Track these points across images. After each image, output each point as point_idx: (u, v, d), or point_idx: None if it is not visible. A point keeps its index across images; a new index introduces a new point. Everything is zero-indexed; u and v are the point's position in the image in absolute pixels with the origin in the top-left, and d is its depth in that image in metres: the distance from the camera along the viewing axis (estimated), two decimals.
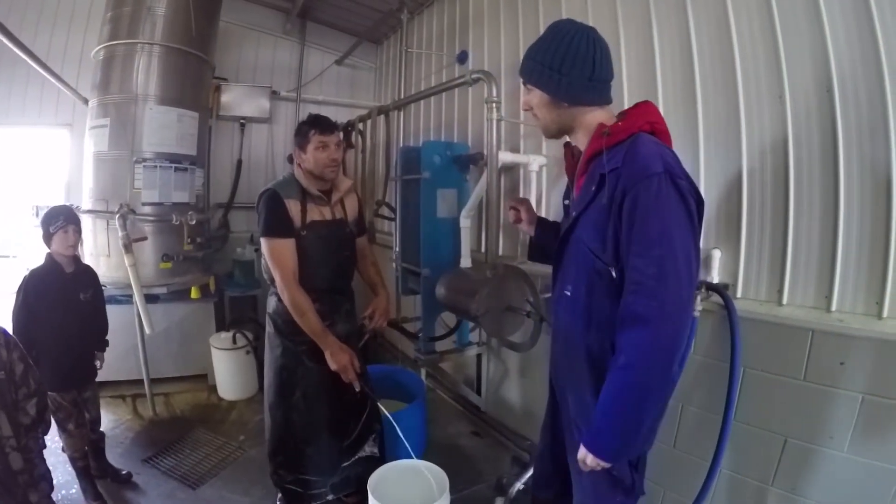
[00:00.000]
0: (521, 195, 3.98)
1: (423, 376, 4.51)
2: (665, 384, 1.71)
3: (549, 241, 2.44)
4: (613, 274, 1.79)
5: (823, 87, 2.33)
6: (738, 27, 2.64)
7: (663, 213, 1.66)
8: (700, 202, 1.77)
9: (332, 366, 2.90)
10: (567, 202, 2.17)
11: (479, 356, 4.55)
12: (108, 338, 3.67)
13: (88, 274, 3.59)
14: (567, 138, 2.10)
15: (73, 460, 3.38)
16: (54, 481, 2.73)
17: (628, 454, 1.82)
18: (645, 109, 1.90)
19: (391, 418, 2.98)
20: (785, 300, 2.49)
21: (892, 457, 2.13)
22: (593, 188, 1.84)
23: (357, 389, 2.99)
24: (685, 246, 1.66)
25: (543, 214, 3.71)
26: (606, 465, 1.79)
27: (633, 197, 1.68)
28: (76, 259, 3.45)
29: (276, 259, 2.93)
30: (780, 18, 2.47)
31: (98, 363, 3.60)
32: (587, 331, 1.93)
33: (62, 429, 3.30)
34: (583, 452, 1.80)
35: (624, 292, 1.72)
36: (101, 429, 3.68)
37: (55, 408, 3.19)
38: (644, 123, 1.84)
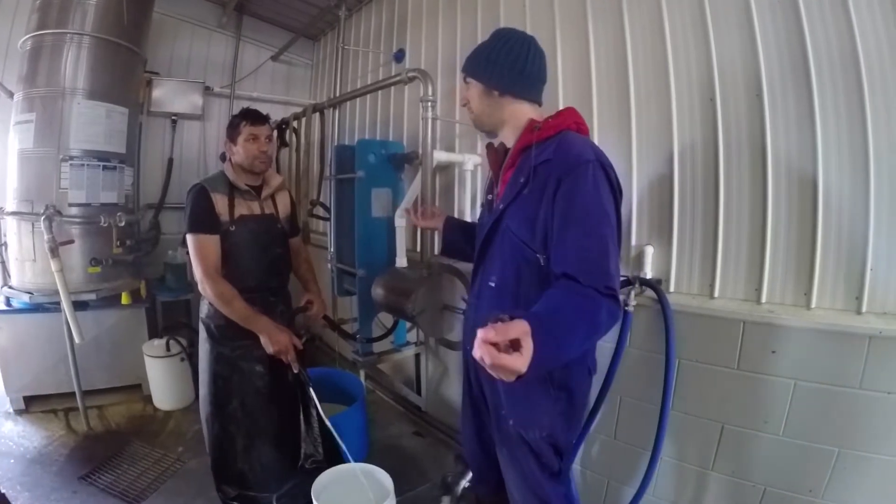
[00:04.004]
0: (456, 194, 4.02)
1: (362, 378, 4.46)
2: (588, 344, 1.85)
3: (455, 237, 2.65)
4: (542, 262, 1.88)
5: (753, 91, 2.46)
6: (672, 32, 2.75)
7: (601, 197, 1.78)
8: (621, 192, 1.92)
9: (270, 349, 2.84)
10: (490, 197, 2.23)
11: (417, 356, 4.55)
12: (35, 349, 3.38)
13: None
14: (489, 139, 2.25)
15: None
16: None
17: (544, 359, 1.45)
18: (571, 112, 2.04)
19: (323, 415, 2.96)
20: (717, 293, 2.61)
21: (826, 438, 2.26)
22: (522, 180, 1.92)
23: (295, 371, 2.92)
24: (613, 228, 1.79)
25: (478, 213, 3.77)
26: (511, 361, 1.35)
27: (572, 182, 1.78)
28: None
29: (198, 253, 2.87)
30: (714, 25, 2.58)
31: None
32: None
33: None
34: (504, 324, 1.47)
35: (570, 270, 1.71)
36: (35, 445, 3.42)
37: None
38: (572, 123, 1.98)
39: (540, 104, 2.15)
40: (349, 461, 2.72)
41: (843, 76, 2.22)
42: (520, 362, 1.35)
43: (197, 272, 2.88)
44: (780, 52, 2.37)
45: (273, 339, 2.82)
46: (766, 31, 2.41)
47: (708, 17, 2.59)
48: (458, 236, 2.63)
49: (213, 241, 2.90)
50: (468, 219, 3.67)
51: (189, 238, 2.91)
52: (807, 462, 2.31)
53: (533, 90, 2.09)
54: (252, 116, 3.05)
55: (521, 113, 2.07)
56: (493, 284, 2.07)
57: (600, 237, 1.72)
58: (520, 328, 1.37)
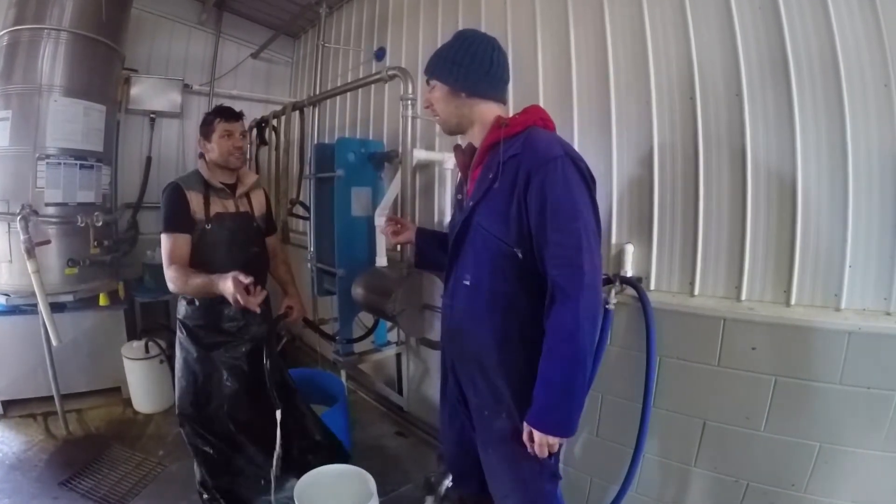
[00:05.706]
0: (436, 193, 4.00)
1: (343, 378, 4.45)
2: (592, 348, 1.86)
3: (428, 246, 2.64)
4: (519, 255, 1.90)
5: (733, 90, 2.46)
6: (652, 30, 2.74)
7: (573, 192, 1.82)
8: (594, 181, 1.95)
9: (229, 294, 2.53)
10: (459, 196, 2.26)
11: (398, 355, 4.53)
12: (12, 352, 3.33)
13: None
14: (458, 140, 2.27)
15: None
16: None
17: (574, 425, 1.86)
18: (536, 109, 2.07)
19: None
20: (697, 291, 2.61)
21: (807, 432, 2.28)
22: (491, 175, 1.94)
23: (256, 309, 2.60)
24: (590, 220, 1.84)
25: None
26: (554, 440, 1.85)
27: (542, 179, 1.82)
28: None
29: (169, 252, 2.84)
30: (694, 23, 2.58)
31: None
32: (491, 315, 2.01)
33: None
34: (528, 431, 1.86)
35: (548, 267, 1.82)
36: (14, 451, 3.39)
37: None
38: (538, 119, 2.00)
39: (505, 103, 2.17)
40: None
41: (822, 75, 2.23)
42: (539, 450, 1.87)
43: (165, 265, 2.85)
44: (759, 52, 2.38)
45: (225, 290, 2.54)
46: (745, 30, 2.42)
47: (688, 15, 2.59)
48: (432, 246, 2.61)
49: (184, 241, 2.88)
50: (448, 217, 3.65)
51: (163, 237, 2.88)
52: (789, 457, 2.33)
53: (498, 90, 2.11)
54: (226, 113, 3.05)
55: (489, 112, 2.08)
56: (467, 283, 2.07)
57: (573, 232, 1.78)
58: (527, 435, 1.87)
